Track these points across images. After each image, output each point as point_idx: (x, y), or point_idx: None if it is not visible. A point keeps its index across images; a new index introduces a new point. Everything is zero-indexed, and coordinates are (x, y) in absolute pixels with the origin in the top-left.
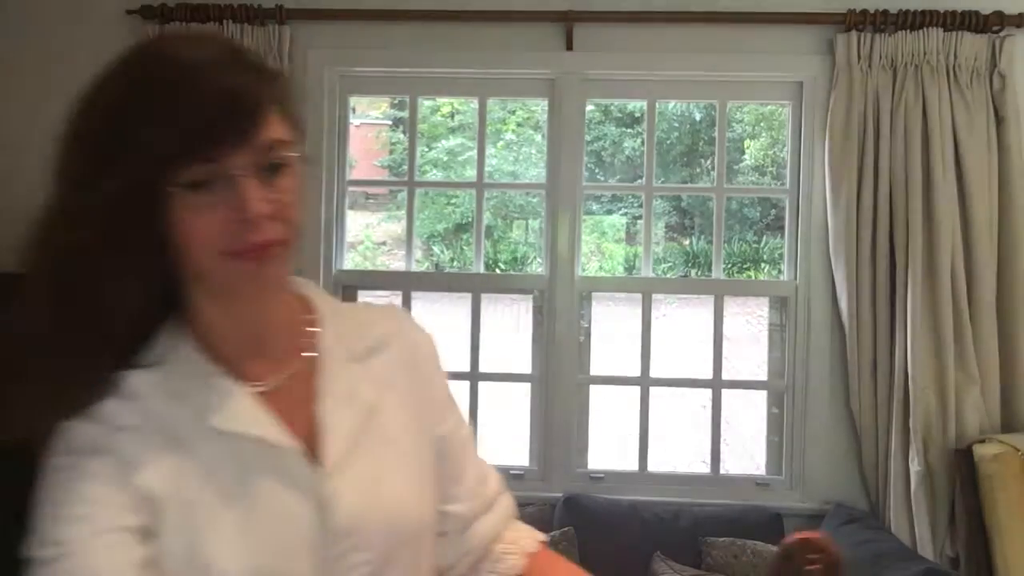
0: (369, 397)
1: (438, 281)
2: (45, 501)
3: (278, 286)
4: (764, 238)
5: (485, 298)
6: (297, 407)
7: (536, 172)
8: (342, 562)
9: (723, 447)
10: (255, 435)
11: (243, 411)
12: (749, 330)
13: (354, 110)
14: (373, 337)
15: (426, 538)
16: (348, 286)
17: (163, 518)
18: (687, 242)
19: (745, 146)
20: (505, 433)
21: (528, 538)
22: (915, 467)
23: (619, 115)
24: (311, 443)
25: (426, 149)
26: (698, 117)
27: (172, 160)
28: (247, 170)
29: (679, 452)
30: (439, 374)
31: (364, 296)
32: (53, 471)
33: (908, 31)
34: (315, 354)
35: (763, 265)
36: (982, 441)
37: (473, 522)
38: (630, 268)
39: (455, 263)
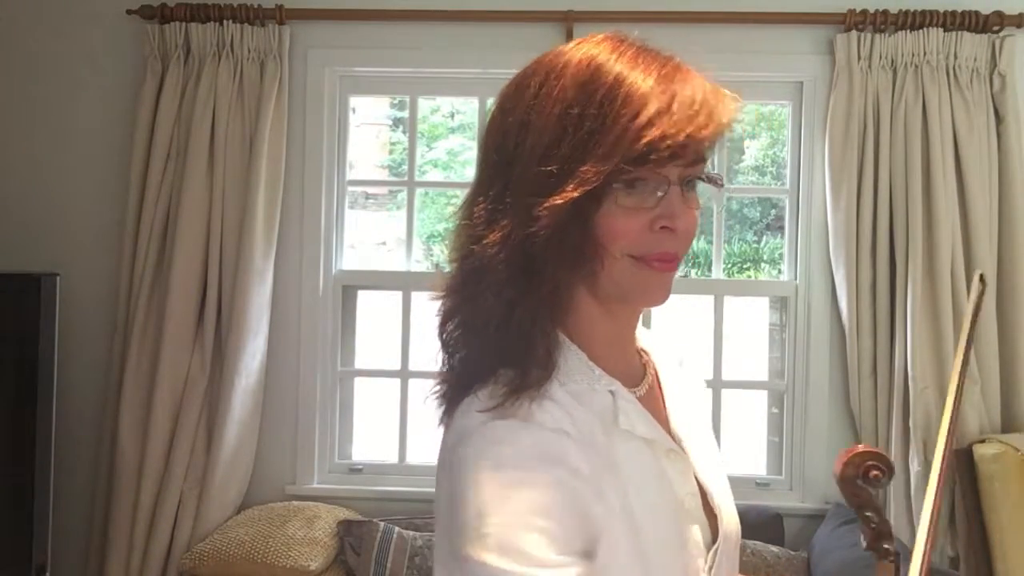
0: (693, 403)
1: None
2: (501, 501)
3: (668, 298)
4: (764, 238)
5: None
6: (657, 412)
7: None
8: (719, 572)
9: (723, 447)
10: (651, 438)
11: (637, 415)
12: (749, 330)
13: (354, 110)
14: (672, 353)
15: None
16: (348, 286)
17: (602, 536)
18: None
19: (745, 146)
20: None
21: None
22: (915, 467)
23: None
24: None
25: (426, 149)
26: None
27: (632, 157)
28: (678, 182)
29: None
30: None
31: (364, 296)
32: (502, 468)
33: (908, 31)
34: (653, 363)
35: (763, 265)
36: (982, 441)
37: None
38: None
39: None
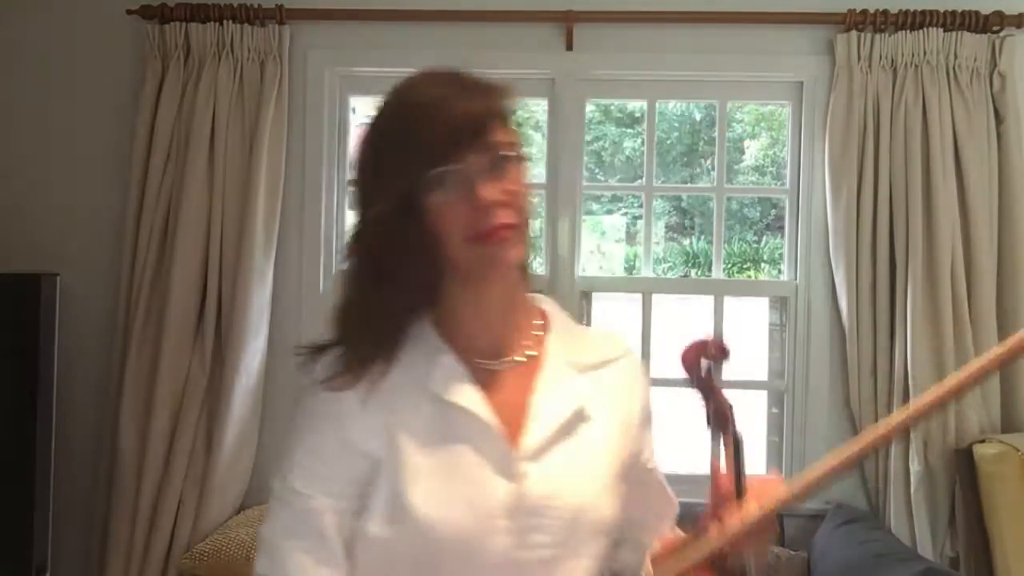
0: (581, 404)
1: None
2: (299, 440)
3: (514, 267)
4: (764, 238)
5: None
6: (513, 395)
7: (536, 172)
8: (526, 539)
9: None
10: (463, 406)
11: (458, 384)
12: (749, 330)
13: (354, 110)
14: (600, 356)
15: (603, 539)
16: None
17: (378, 469)
18: (687, 242)
19: (745, 146)
20: None
21: None
22: (915, 467)
23: (619, 115)
24: (516, 429)
25: None
26: (698, 117)
27: (422, 164)
28: (481, 168)
29: (679, 452)
30: (648, 408)
31: None
32: (311, 412)
33: (908, 31)
34: (535, 353)
35: (763, 265)
36: (982, 441)
37: (644, 543)
38: (630, 268)
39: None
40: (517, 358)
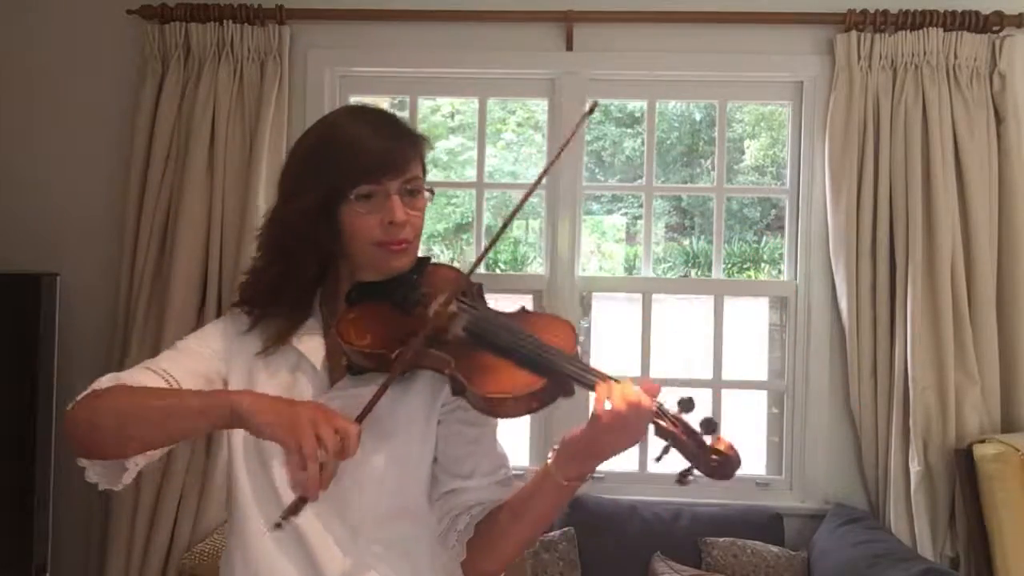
0: None
1: None
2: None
3: (409, 265)
4: (764, 238)
5: (485, 298)
6: None
7: (536, 172)
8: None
9: None
10: (303, 352)
11: (311, 339)
12: (749, 330)
13: None
14: None
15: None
16: None
17: (231, 379)
18: (687, 242)
19: (745, 146)
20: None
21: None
22: (915, 467)
23: (619, 115)
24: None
25: None
26: (698, 117)
27: (355, 180)
28: (398, 192)
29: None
30: None
31: None
32: (211, 325)
33: (908, 31)
34: None
35: (763, 265)
36: (982, 441)
37: (466, 495)
38: (630, 268)
39: (455, 263)
40: None
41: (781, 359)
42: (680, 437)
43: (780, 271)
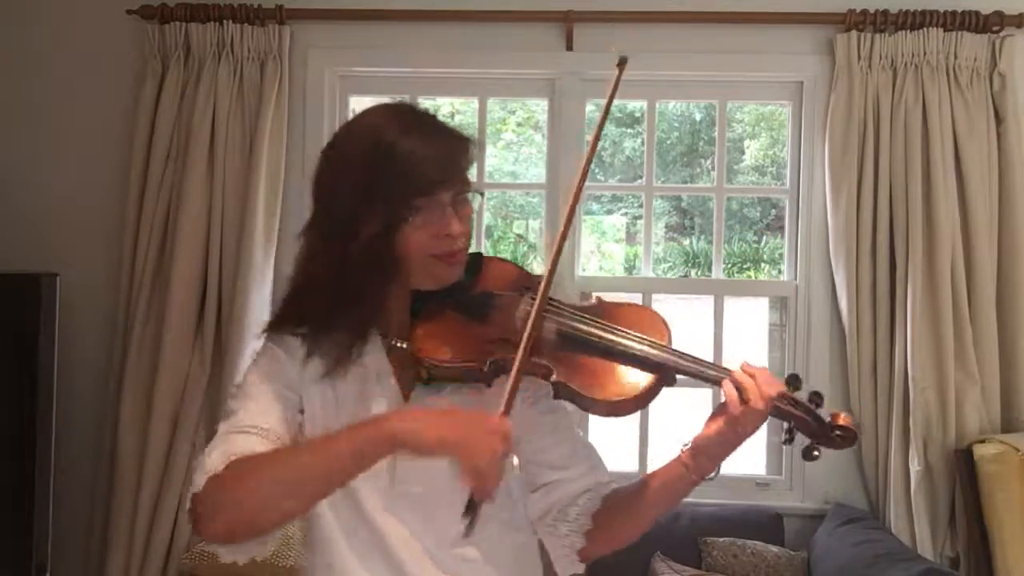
0: None
1: None
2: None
3: (460, 275)
4: (764, 238)
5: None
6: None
7: (536, 172)
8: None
9: None
10: (368, 366)
11: (376, 354)
12: (749, 330)
13: (354, 110)
14: None
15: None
16: None
17: (305, 408)
18: (687, 242)
19: (745, 146)
20: None
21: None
22: (915, 467)
23: (619, 115)
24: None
25: None
26: (698, 117)
27: (413, 199)
28: (451, 203)
29: (679, 452)
30: None
31: None
32: (266, 359)
33: (908, 31)
34: None
35: (763, 265)
36: (982, 441)
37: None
38: (630, 268)
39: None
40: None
41: (781, 359)
42: (802, 418)
43: (780, 271)
